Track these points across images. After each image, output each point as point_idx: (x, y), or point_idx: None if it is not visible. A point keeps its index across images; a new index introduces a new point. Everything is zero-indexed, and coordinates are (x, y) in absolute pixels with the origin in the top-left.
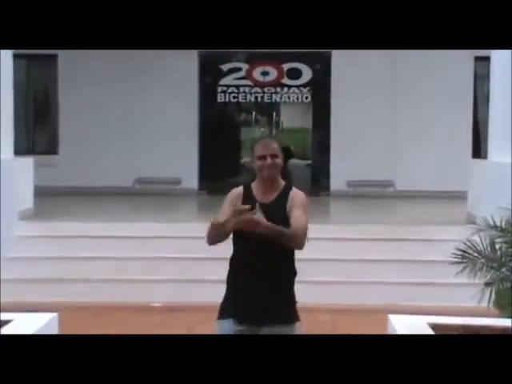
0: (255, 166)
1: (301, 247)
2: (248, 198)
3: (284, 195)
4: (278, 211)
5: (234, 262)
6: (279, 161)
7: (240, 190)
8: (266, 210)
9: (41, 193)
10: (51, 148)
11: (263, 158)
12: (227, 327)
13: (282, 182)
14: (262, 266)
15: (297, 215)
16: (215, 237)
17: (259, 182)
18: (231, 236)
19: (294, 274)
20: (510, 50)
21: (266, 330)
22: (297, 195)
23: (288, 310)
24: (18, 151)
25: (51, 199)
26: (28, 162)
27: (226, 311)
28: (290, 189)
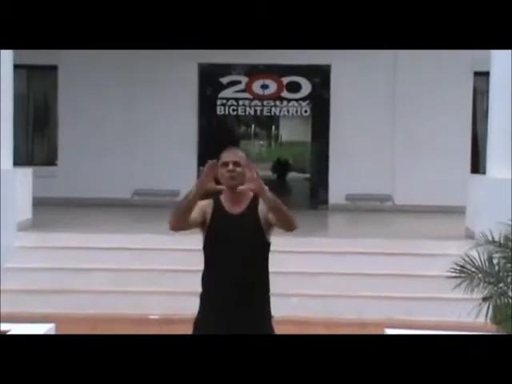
0: (219, 174)
1: (295, 226)
2: (218, 208)
3: (253, 206)
4: (249, 222)
5: (206, 279)
6: (241, 170)
7: (209, 201)
8: (237, 221)
9: (39, 204)
10: (50, 159)
11: (226, 164)
12: None
13: (250, 194)
14: (237, 282)
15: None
16: (182, 217)
17: (226, 192)
18: (202, 254)
19: (269, 289)
20: (509, 67)
21: None
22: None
23: (264, 325)
24: (17, 162)
25: (50, 210)
26: (27, 172)
27: (202, 329)
28: (258, 199)
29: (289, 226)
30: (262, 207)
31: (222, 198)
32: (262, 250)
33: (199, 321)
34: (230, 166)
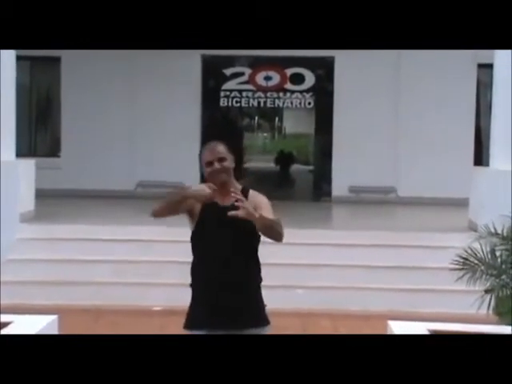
0: (205, 173)
1: (282, 238)
2: (209, 202)
3: (244, 197)
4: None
5: (197, 269)
6: (227, 164)
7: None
8: (227, 212)
9: (42, 195)
10: (53, 150)
11: (210, 163)
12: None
13: (238, 186)
14: (227, 272)
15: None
16: (170, 209)
17: (215, 186)
18: (190, 244)
19: (261, 279)
20: None
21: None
22: (259, 198)
23: (258, 313)
24: (20, 153)
25: (53, 202)
26: (30, 164)
27: (195, 321)
28: (248, 191)
29: (275, 240)
30: (251, 198)
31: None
32: (252, 240)
33: (193, 315)
34: (216, 165)
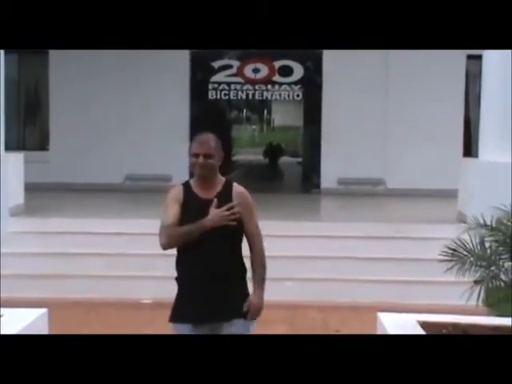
0: (190, 162)
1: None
2: (189, 194)
3: (226, 192)
4: (222, 206)
5: (181, 263)
6: (212, 161)
7: (180, 188)
8: (209, 206)
9: (31, 189)
10: (42, 144)
11: (196, 156)
12: (187, 332)
13: (222, 178)
14: (211, 264)
15: (254, 229)
16: (175, 242)
17: (196, 178)
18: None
19: (245, 269)
20: (501, 50)
21: (225, 327)
22: (242, 194)
23: (244, 304)
24: (9, 147)
25: (42, 195)
26: (19, 157)
27: (181, 314)
28: (231, 185)
29: None
30: (236, 194)
31: (192, 183)
32: (235, 232)
33: (179, 309)
34: (201, 160)
